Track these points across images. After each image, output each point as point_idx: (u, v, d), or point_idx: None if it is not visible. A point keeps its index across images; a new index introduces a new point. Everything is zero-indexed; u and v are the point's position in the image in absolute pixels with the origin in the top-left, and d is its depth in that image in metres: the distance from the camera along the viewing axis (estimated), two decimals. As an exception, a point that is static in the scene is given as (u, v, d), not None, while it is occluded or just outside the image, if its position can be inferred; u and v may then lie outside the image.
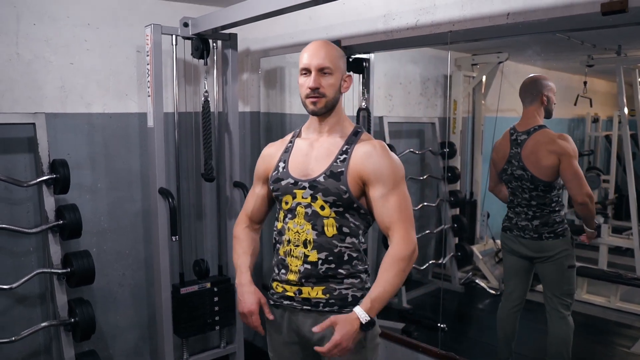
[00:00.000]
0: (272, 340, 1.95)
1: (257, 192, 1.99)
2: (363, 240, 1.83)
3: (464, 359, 2.63)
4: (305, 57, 1.76)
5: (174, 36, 2.93)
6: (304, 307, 1.79)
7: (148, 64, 2.83)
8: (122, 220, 3.14)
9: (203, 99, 3.01)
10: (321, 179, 1.75)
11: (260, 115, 3.70)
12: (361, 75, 3.17)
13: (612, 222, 4.30)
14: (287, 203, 1.81)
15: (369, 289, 1.77)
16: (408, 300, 3.91)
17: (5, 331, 2.69)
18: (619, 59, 3.52)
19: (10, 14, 2.66)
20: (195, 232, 3.44)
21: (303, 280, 1.77)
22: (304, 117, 1.92)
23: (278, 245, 1.86)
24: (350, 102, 3.31)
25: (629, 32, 2.50)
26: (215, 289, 3.17)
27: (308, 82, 1.75)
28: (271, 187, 1.87)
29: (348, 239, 1.77)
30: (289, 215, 1.81)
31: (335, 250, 1.75)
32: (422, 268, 4.14)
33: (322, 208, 1.75)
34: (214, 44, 3.07)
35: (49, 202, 2.65)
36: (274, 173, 1.86)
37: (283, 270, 1.82)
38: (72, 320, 2.64)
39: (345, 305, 1.75)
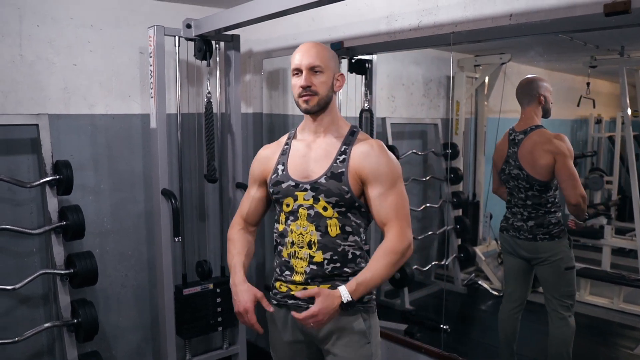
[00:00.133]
0: (275, 339, 1.96)
1: (252, 195, 1.99)
2: (364, 237, 1.86)
3: (466, 360, 2.63)
4: (297, 58, 1.79)
5: (176, 37, 2.94)
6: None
7: (151, 65, 2.84)
8: (125, 221, 3.14)
9: (206, 100, 3.01)
10: (322, 180, 1.76)
11: (263, 116, 3.71)
12: (364, 76, 3.17)
13: (615, 224, 4.28)
14: (288, 205, 1.82)
15: None
16: (411, 301, 3.91)
17: (9, 332, 2.69)
18: (622, 60, 3.51)
19: (14, 15, 2.67)
20: (197, 233, 3.45)
21: (309, 281, 1.78)
22: (307, 118, 1.92)
23: (280, 247, 1.87)
24: (352, 103, 3.31)
25: (632, 33, 2.50)
26: (218, 290, 3.17)
27: (300, 81, 1.77)
28: (271, 190, 1.87)
29: (351, 238, 1.79)
30: (291, 218, 1.81)
31: (339, 250, 1.77)
32: (424, 269, 4.13)
33: (325, 209, 1.76)
34: (217, 46, 3.07)
35: (52, 203, 2.65)
36: (273, 176, 1.87)
37: (287, 272, 1.83)
38: (75, 321, 2.64)
39: (351, 303, 1.76)
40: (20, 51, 2.71)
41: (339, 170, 1.75)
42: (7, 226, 2.56)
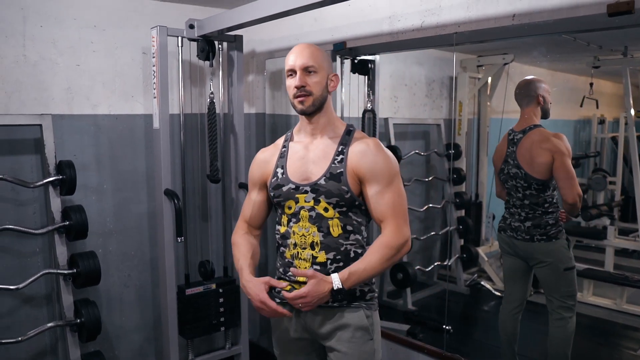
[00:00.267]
0: (278, 336, 1.97)
1: (253, 199, 1.99)
2: (365, 234, 1.87)
3: (469, 361, 2.62)
4: (290, 59, 1.80)
5: (179, 38, 2.94)
6: None
7: (154, 66, 2.84)
8: (128, 221, 3.15)
9: (209, 100, 3.02)
10: (322, 181, 1.77)
11: (266, 116, 3.71)
12: (366, 76, 3.17)
13: (618, 224, 4.28)
14: (290, 208, 1.83)
15: (373, 283, 1.87)
16: (413, 302, 3.91)
17: (12, 331, 2.70)
18: (626, 60, 3.51)
19: (17, 16, 2.68)
20: (200, 233, 3.45)
21: None
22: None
23: (283, 248, 1.87)
24: (355, 104, 3.31)
25: (636, 33, 2.50)
26: (221, 290, 3.17)
27: (294, 81, 1.78)
28: (272, 194, 1.88)
29: (352, 236, 1.81)
30: (293, 220, 1.83)
31: (342, 249, 1.79)
32: (427, 270, 4.13)
33: (326, 210, 1.78)
34: (220, 46, 3.08)
35: (55, 203, 2.66)
36: (272, 180, 1.87)
37: (290, 273, 1.83)
38: (78, 320, 2.65)
39: (354, 299, 1.80)
40: (24, 51, 2.72)
41: (338, 171, 1.76)
42: (10, 226, 2.56)
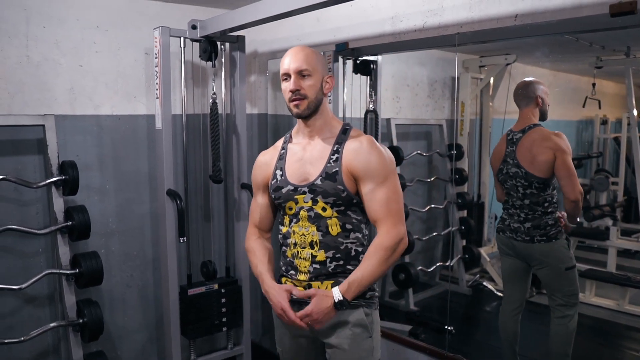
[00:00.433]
0: (280, 333, 1.99)
1: (259, 202, 2.01)
2: (366, 232, 1.88)
3: (471, 361, 2.62)
4: (285, 63, 1.82)
5: (182, 38, 2.95)
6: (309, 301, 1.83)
7: (156, 66, 2.85)
8: (130, 222, 3.15)
9: (211, 100, 3.02)
10: (318, 181, 1.79)
11: (268, 117, 3.71)
12: (368, 77, 3.17)
13: (620, 225, 4.27)
14: (290, 209, 1.86)
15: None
16: (415, 302, 3.91)
17: (15, 331, 2.71)
18: (628, 61, 3.50)
19: (20, 16, 2.69)
20: (202, 233, 3.45)
21: (313, 279, 1.83)
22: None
23: (284, 247, 1.91)
24: (357, 104, 3.32)
25: (638, 33, 2.49)
26: (223, 291, 3.18)
27: (289, 85, 1.80)
28: (273, 196, 1.91)
29: (352, 235, 1.82)
30: (294, 220, 1.86)
31: (342, 247, 1.80)
32: (429, 270, 4.13)
33: (324, 209, 1.80)
34: (222, 46, 3.08)
35: (58, 203, 2.67)
36: (272, 182, 1.90)
37: (292, 272, 1.87)
38: (81, 320, 2.65)
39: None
40: (27, 52, 2.72)
41: (333, 170, 1.78)
42: (13, 226, 2.57)
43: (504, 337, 2.96)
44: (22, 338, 2.55)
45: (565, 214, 2.75)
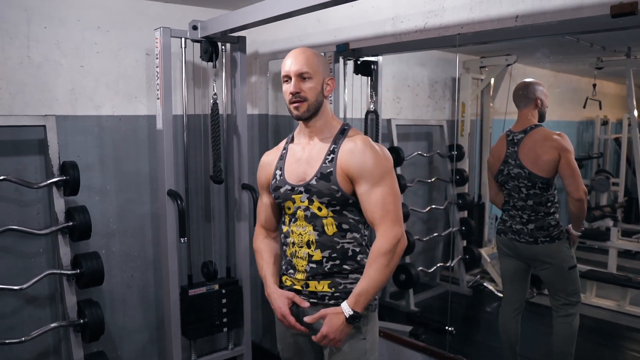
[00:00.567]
0: (281, 332, 2.01)
1: (264, 202, 2.05)
2: (366, 233, 1.88)
3: (471, 362, 2.62)
4: (286, 65, 1.82)
5: (183, 39, 2.95)
6: (311, 299, 1.85)
7: (157, 67, 2.85)
8: (131, 222, 3.16)
9: (212, 101, 3.02)
10: (313, 181, 1.80)
11: (269, 117, 3.71)
12: (369, 77, 3.17)
13: (621, 226, 4.28)
14: (289, 209, 1.89)
15: None
16: (416, 303, 3.91)
17: (15, 332, 2.71)
18: (629, 61, 3.51)
19: (21, 17, 2.69)
20: (203, 234, 3.46)
21: (310, 278, 1.84)
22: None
23: (285, 247, 1.94)
24: (358, 105, 3.32)
25: (639, 34, 2.49)
26: (223, 291, 3.18)
27: (289, 87, 1.80)
28: (273, 196, 1.94)
29: (349, 235, 1.82)
30: (292, 219, 1.88)
31: (338, 247, 1.81)
32: (430, 271, 4.13)
33: (320, 209, 1.81)
34: (223, 47, 3.08)
35: (59, 203, 2.67)
36: (272, 182, 1.93)
37: (291, 270, 1.89)
38: (81, 321, 2.65)
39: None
40: (28, 53, 2.73)
41: (328, 170, 1.78)
42: (14, 226, 2.57)
43: (505, 337, 2.96)
44: (23, 338, 2.55)
45: (570, 227, 2.75)
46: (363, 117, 3.21)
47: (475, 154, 4.46)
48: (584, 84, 3.97)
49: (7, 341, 2.52)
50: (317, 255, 1.81)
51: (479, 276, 4.30)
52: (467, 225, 4.28)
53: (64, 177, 2.64)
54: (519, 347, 2.94)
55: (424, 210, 4.12)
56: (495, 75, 4.22)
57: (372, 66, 3.14)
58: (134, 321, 3.23)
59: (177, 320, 3.01)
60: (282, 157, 1.94)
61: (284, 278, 1.95)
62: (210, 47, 2.95)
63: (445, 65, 4.20)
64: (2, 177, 2.52)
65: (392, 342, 2.92)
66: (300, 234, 1.84)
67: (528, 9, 2.20)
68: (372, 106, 3.17)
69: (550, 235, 2.72)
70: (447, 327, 2.94)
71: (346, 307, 1.72)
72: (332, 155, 1.80)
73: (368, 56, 3.06)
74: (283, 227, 1.94)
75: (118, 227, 3.11)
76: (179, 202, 2.85)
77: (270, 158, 2.00)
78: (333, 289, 1.81)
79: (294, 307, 1.90)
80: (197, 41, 2.96)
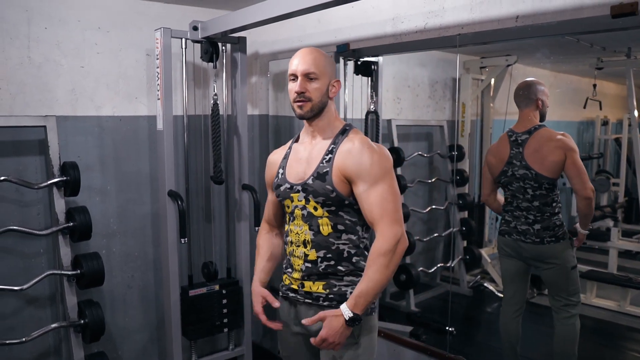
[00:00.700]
0: (281, 331, 2.01)
1: (270, 199, 2.08)
2: (365, 235, 1.87)
3: (472, 362, 2.62)
4: (293, 64, 1.82)
5: (183, 39, 2.95)
6: (306, 300, 1.86)
7: (158, 67, 2.85)
8: (132, 223, 3.16)
9: (212, 101, 3.02)
10: (310, 180, 1.80)
11: (269, 118, 3.72)
12: (369, 78, 3.17)
13: (621, 226, 4.27)
14: (288, 207, 1.90)
15: None
16: (416, 303, 3.91)
17: (16, 332, 2.71)
18: (629, 62, 3.51)
19: (22, 17, 2.69)
20: (204, 234, 3.46)
21: (305, 278, 1.84)
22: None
23: (285, 245, 1.96)
24: (358, 105, 3.32)
25: (639, 34, 2.49)
26: (224, 292, 3.18)
27: (295, 86, 1.80)
28: (275, 194, 1.96)
29: (344, 236, 1.81)
30: (291, 218, 1.90)
31: (333, 248, 1.80)
32: (430, 271, 4.13)
33: (315, 209, 1.81)
34: (223, 47, 3.08)
35: (59, 204, 2.67)
36: (275, 180, 1.95)
37: (289, 269, 1.91)
38: (82, 321, 2.66)
39: (343, 300, 1.78)
40: (29, 53, 2.73)
41: (324, 170, 1.79)
42: (14, 227, 2.57)
43: (505, 338, 2.96)
44: (24, 339, 2.55)
45: (577, 226, 2.75)
46: (363, 117, 3.21)
47: (476, 154, 4.46)
48: (584, 84, 3.97)
49: (7, 342, 2.53)
50: (313, 254, 1.81)
51: (479, 276, 4.29)
52: (467, 226, 4.28)
53: (65, 178, 2.64)
54: (520, 348, 2.94)
55: (425, 211, 4.12)
56: (496, 76, 4.22)
57: (373, 66, 3.14)
58: (134, 321, 3.23)
59: (178, 321, 3.01)
60: (286, 156, 1.95)
61: (283, 277, 1.96)
62: (210, 47, 2.95)
63: (445, 65, 4.20)
64: (2, 178, 2.52)
65: (393, 343, 2.92)
66: (297, 233, 1.86)
67: (528, 9, 2.20)
68: (372, 106, 3.17)
69: (556, 235, 2.72)
70: (447, 328, 2.94)
71: (345, 309, 1.69)
72: (329, 156, 1.80)
73: (368, 57, 3.06)
74: (285, 225, 1.96)
75: (118, 227, 3.11)
76: (179, 202, 2.85)
77: (276, 157, 2.02)
78: (327, 291, 1.81)
79: (293, 309, 1.90)
80: (197, 42, 2.96)
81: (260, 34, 3.31)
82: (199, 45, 3.01)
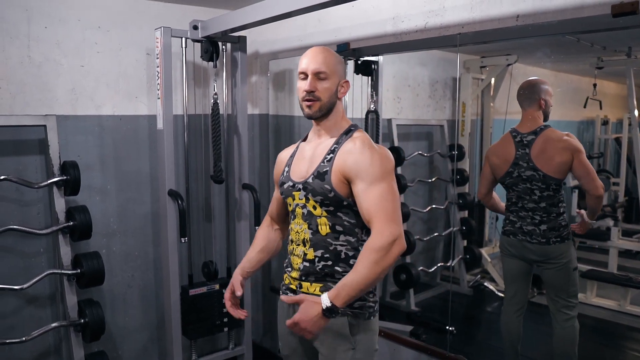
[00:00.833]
0: (280, 330, 2.02)
1: (275, 196, 2.09)
2: (364, 238, 1.81)
3: (472, 362, 2.62)
4: (304, 62, 1.81)
5: (183, 39, 2.95)
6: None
7: (158, 67, 2.85)
8: (132, 222, 3.16)
9: (212, 101, 3.02)
10: (310, 179, 1.80)
11: (269, 117, 3.71)
12: (370, 77, 3.17)
13: (622, 225, 4.27)
14: (290, 205, 1.91)
15: (368, 292, 1.81)
16: (416, 302, 3.90)
17: (16, 331, 2.72)
18: (629, 61, 3.50)
19: (22, 17, 2.69)
20: (204, 234, 3.46)
21: (303, 277, 1.84)
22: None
23: (288, 244, 1.95)
24: (358, 105, 3.32)
25: (640, 33, 2.49)
26: (224, 291, 3.16)
27: (304, 85, 1.80)
28: (279, 191, 1.97)
29: (342, 237, 1.79)
30: (292, 216, 1.90)
31: (331, 248, 1.79)
32: (430, 271, 4.13)
33: (315, 208, 1.81)
34: (223, 47, 3.08)
35: (60, 203, 2.67)
36: (280, 178, 1.97)
37: (289, 268, 1.91)
38: (82, 321, 2.66)
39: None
40: (29, 52, 2.73)
41: (324, 170, 1.78)
42: (14, 226, 2.57)
43: (507, 337, 2.95)
44: (24, 338, 2.55)
45: (584, 213, 2.77)
46: (363, 116, 3.21)
47: (476, 153, 4.45)
48: (585, 83, 3.97)
49: (7, 341, 2.53)
50: (311, 254, 1.81)
51: (479, 276, 4.29)
52: (467, 225, 4.28)
53: (65, 177, 2.64)
54: (521, 347, 2.94)
55: (425, 210, 4.12)
56: (496, 75, 4.22)
57: (373, 66, 3.14)
58: (134, 321, 3.23)
59: (178, 320, 3.01)
60: (293, 155, 1.97)
61: (284, 276, 1.95)
62: (210, 46, 2.95)
63: (445, 65, 4.20)
64: (2, 177, 2.53)
65: (393, 342, 2.92)
66: (297, 231, 1.86)
67: (529, 8, 2.20)
68: (372, 106, 3.17)
69: (561, 236, 2.71)
70: (447, 327, 2.93)
71: (325, 299, 1.61)
72: (331, 155, 1.79)
73: (368, 56, 3.06)
74: (290, 224, 1.96)
75: (118, 226, 3.11)
76: (179, 202, 2.85)
77: (284, 155, 2.04)
78: (323, 293, 1.77)
79: (292, 309, 1.88)
80: (197, 41, 2.96)
81: (261, 33, 3.31)
82: (199, 44, 3.01)
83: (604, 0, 1.92)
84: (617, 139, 4.71)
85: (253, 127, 3.68)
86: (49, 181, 2.64)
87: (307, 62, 1.80)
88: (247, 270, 2.05)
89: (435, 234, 4.23)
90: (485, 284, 4.23)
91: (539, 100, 2.76)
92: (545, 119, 2.80)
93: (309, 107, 1.80)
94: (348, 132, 1.84)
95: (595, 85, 3.76)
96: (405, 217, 3.68)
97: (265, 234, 2.11)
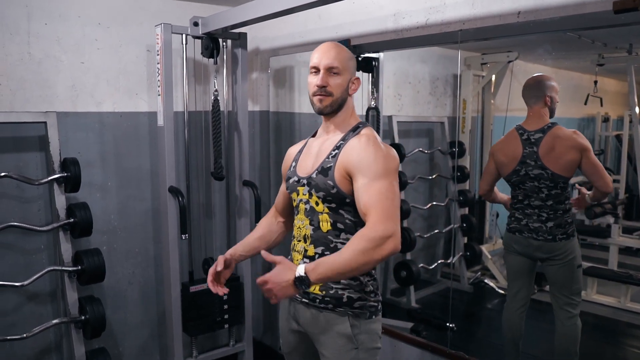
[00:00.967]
0: (281, 327, 2.02)
1: (282, 189, 2.09)
2: None
3: (473, 358, 2.62)
4: (316, 57, 1.80)
5: (184, 35, 2.95)
6: (304, 299, 1.85)
7: (158, 63, 2.85)
8: (132, 219, 3.16)
9: (213, 98, 3.02)
10: (314, 175, 1.80)
11: (270, 114, 3.71)
12: (370, 74, 3.17)
13: (622, 222, 4.27)
14: (294, 200, 1.90)
15: (369, 292, 1.81)
16: (417, 299, 3.91)
17: (17, 328, 2.72)
18: (630, 58, 3.49)
19: (22, 13, 2.69)
20: (204, 230, 3.46)
21: None
22: (313, 116, 1.94)
23: (292, 239, 1.95)
24: (359, 101, 3.31)
25: (641, 30, 2.48)
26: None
27: (316, 80, 1.78)
28: (286, 186, 1.98)
29: (343, 235, 1.78)
30: (296, 212, 1.90)
31: (331, 246, 1.78)
32: (430, 268, 4.13)
33: (317, 204, 1.80)
34: (224, 43, 3.08)
35: (60, 200, 2.67)
36: (287, 172, 1.97)
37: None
38: (83, 317, 2.66)
39: (339, 304, 1.77)
40: (29, 49, 2.72)
41: (328, 165, 1.77)
42: (15, 223, 2.58)
43: (509, 334, 2.95)
44: (24, 335, 2.56)
45: (585, 191, 2.77)
46: (364, 113, 3.20)
47: (476, 150, 4.45)
48: (585, 80, 3.95)
49: (8, 338, 2.53)
50: (311, 250, 1.80)
51: (479, 273, 4.29)
52: (468, 222, 4.27)
53: (65, 174, 2.64)
54: (522, 344, 2.94)
55: (425, 207, 4.12)
56: (497, 72, 4.21)
57: (373, 63, 3.13)
58: (135, 318, 3.23)
59: (178, 317, 3.02)
60: (301, 150, 1.97)
61: None
62: (211, 43, 2.95)
63: (446, 62, 4.19)
64: (3, 174, 2.53)
65: (393, 339, 2.93)
66: (299, 227, 1.85)
67: (530, 5, 2.19)
68: (373, 103, 3.17)
69: (567, 233, 2.71)
70: (448, 324, 2.93)
71: (301, 268, 1.53)
72: (336, 151, 1.78)
73: (369, 53, 3.05)
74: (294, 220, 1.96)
75: (119, 223, 3.11)
76: (180, 198, 2.85)
77: (293, 150, 2.04)
78: (324, 292, 1.78)
79: (292, 307, 1.90)
80: (198, 37, 2.96)
81: (261, 30, 3.31)
82: (199, 41, 3.01)
83: (605, -3, 1.92)
84: (618, 136, 4.70)
85: (253, 124, 3.67)
86: (50, 178, 2.64)
87: (319, 56, 1.79)
88: (239, 252, 2.01)
89: (436, 231, 4.22)
90: (486, 281, 4.23)
91: (545, 97, 2.74)
92: (551, 115, 2.78)
93: (320, 101, 1.79)
94: (356, 129, 1.82)
95: (596, 82, 3.75)
96: (406, 214, 3.68)
97: (268, 224, 2.12)
